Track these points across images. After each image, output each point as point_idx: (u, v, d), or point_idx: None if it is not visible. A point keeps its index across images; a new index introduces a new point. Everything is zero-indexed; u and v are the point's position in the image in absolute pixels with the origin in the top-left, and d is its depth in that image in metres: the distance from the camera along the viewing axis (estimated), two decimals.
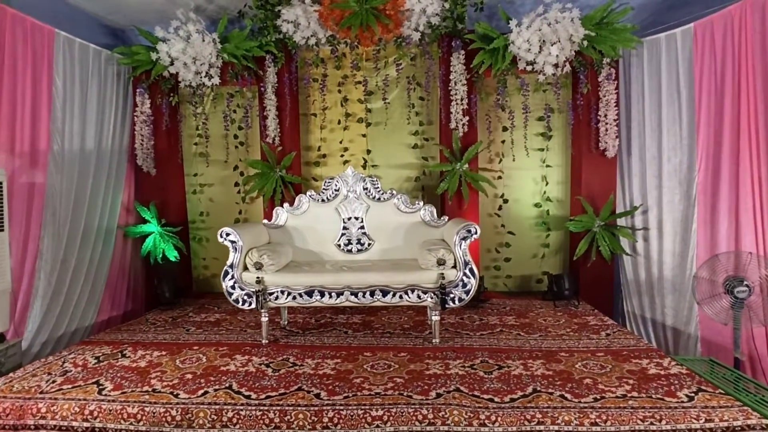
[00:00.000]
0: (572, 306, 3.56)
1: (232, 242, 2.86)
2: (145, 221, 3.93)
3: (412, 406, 2.00)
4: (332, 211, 3.40)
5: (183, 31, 3.64)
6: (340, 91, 4.10)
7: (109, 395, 2.18)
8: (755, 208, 2.98)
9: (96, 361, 2.62)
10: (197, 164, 4.29)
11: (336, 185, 3.43)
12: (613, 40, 3.45)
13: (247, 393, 2.17)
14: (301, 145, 4.11)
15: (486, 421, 1.92)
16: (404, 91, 3.98)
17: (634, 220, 3.69)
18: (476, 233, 2.78)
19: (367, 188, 3.42)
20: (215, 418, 2.00)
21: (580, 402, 2.02)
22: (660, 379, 2.23)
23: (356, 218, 3.39)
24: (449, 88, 3.73)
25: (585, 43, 3.42)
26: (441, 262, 2.74)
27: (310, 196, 3.44)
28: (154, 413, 2.03)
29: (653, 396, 2.06)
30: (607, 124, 3.62)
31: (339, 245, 3.36)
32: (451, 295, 2.78)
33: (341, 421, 1.96)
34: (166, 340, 2.96)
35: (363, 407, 2.01)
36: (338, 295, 2.82)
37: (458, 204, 3.83)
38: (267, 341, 2.87)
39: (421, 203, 3.40)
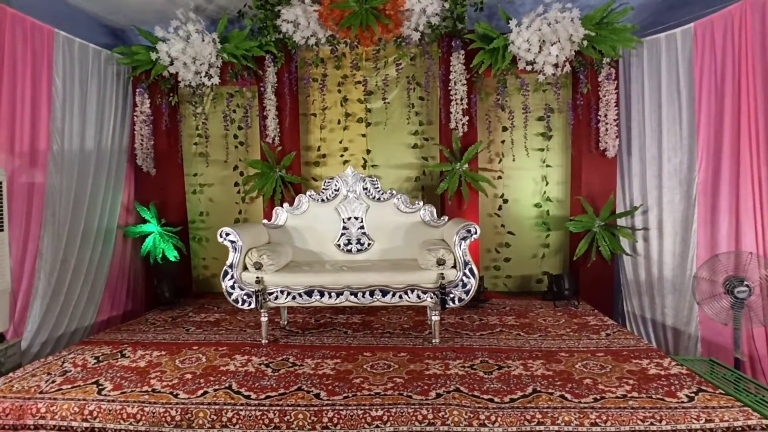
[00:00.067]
0: (572, 306, 3.56)
1: (232, 242, 2.86)
2: (144, 221, 3.93)
3: (412, 406, 2.00)
4: (332, 211, 3.40)
5: (183, 30, 3.64)
6: (339, 91, 4.10)
7: (109, 395, 2.17)
8: (755, 208, 2.98)
9: (95, 361, 2.62)
10: (197, 164, 4.29)
11: (336, 185, 3.43)
12: (613, 40, 3.45)
13: (246, 393, 2.17)
14: (300, 145, 4.10)
15: (486, 422, 1.92)
16: (404, 91, 3.98)
17: (634, 220, 3.69)
18: (476, 233, 2.78)
19: (366, 188, 3.42)
20: (215, 418, 2.00)
21: (580, 402, 2.02)
22: (660, 379, 2.23)
23: (356, 218, 3.38)
24: (449, 87, 3.73)
25: (585, 43, 3.41)
26: (441, 262, 2.74)
27: (309, 196, 3.44)
28: (153, 413, 2.03)
29: (653, 396, 2.06)
30: (607, 124, 3.62)
31: (339, 245, 3.36)
32: (451, 295, 2.78)
33: (341, 421, 1.96)
34: (166, 340, 2.96)
35: (363, 407, 2.01)
36: (338, 295, 2.81)
37: (458, 204, 3.83)
38: (267, 341, 2.87)
39: (421, 203, 3.40)
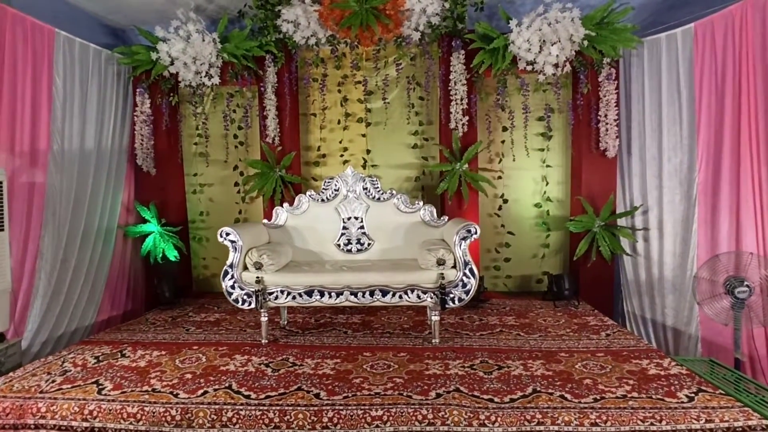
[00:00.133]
0: (572, 306, 3.56)
1: (232, 242, 2.86)
2: (145, 221, 3.93)
3: (412, 406, 2.00)
4: (332, 211, 3.40)
5: (183, 30, 3.64)
6: (339, 91, 4.10)
7: (109, 395, 2.17)
8: (756, 208, 2.98)
9: (96, 360, 2.62)
10: (197, 164, 4.29)
11: (336, 185, 3.43)
12: (614, 40, 3.45)
13: (246, 393, 2.17)
14: (300, 144, 4.11)
15: (486, 422, 1.92)
16: (404, 90, 3.98)
17: (635, 220, 3.69)
18: (476, 233, 2.78)
19: (366, 188, 3.42)
20: (215, 417, 2.00)
21: (580, 402, 2.02)
22: (660, 379, 2.23)
23: (356, 218, 3.39)
24: (449, 87, 3.73)
25: (585, 42, 3.41)
26: (441, 262, 2.74)
27: (309, 196, 3.44)
28: (153, 413, 2.03)
29: (653, 396, 2.06)
30: (607, 124, 3.61)
31: (339, 245, 3.36)
32: (451, 295, 2.78)
33: (341, 421, 1.96)
34: (166, 340, 2.96)
35: (363, 407, 2.01)
36: (338, 295, 2.81)
37: (458, 204, 3.83)
38: (267, 341, 2.87)
39: (421, 203, 3.40)
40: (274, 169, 3.90)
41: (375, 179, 3.43)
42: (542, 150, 4.00)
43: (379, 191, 3.42)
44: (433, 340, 2.79)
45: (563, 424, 1.89)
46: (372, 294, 2.81)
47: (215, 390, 2.20)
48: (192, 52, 3.64)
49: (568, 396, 2.07)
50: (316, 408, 2.02)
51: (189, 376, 2.38)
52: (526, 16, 3.43)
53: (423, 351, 2.68)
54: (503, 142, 4.03)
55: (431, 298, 2.78)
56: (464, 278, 2.77)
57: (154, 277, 3.92)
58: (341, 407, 2.01)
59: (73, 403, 2.11)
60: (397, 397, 2.10)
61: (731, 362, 2.90)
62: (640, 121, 3.62)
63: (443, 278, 2.75)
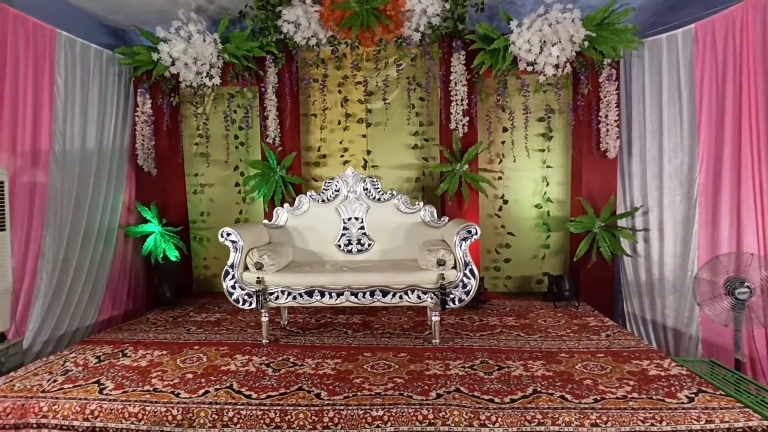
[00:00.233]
0: (572, 307, 3.56)
1: (233, 242, 2.86)
2: (146, 221, 3.94)
3: (413, 407, 2.00)
4: (332, 212, 3.40)
5: (184, 31, 3.65)
6: (340, 92, 4.10)
7: (110, 395, 2.18)
8: (756, 209, 2.98)
9: (97, 360, 2.63)
10: (198, 164, 4.29)
11: (336, 185, 3.43)
12: (614, 40, 3.45)
13: (247, 393, 2.17)
14: (301, 145, 4.11)
15: (486, 422, 1.92)
16: (404, 91, 3.99)
17: (635, 221, 3.69)
18: (476, 234, 2.78)
19: (367, 189, 3.42)
20: (216, 417, 2.00)
21: (580, 403, 2.02)
22: (660, 380, 2.23)
23: (356, 218, 3.39)
24: (449, 88, 3.73)
25: (586, 43, 3.41)
26: (441, 263, 2.74)
27: (310, 196, 3.44)
28: (155, 413, 2.03)
29: (654, 397, 2.06)
30: (607, 124, 3.62)
31: (339, 245, 3.37)
32: (451, 296, 2.78)
33: (342, 421, 1.96)
34: (167, 340, 2.97)
35: (363, 407, 2.01)
36: (338, 295, 2.82)
37: (458, 205, 3.83)
38: (267, 341, 2.87)
39: (421, 204, 3.40)
40: (274, 169, 3.90)
41: (375, 180, 3.44)
42: (543, 151, 4.01)
43: (379, 192, 3.42)
44: (434, 341, 2.80)
45: (563, 424, 1.89)
46: (372, 294, 2.81)
47: (216, 390, 2.20)
48: (193, 52, 3.65)
49: (569, 396, 2.08)
50: (316, 408, 2.02)
51: (190, 375, 2.38)
52: (527, 17, 3.44)
53: (423, 351, 2.68)
54: (503, 142, 4.03)
55: (431, 298, 2.78)
56: (464, 279, 2.77)
57: (154, 277, 3.93)
58: (342, 407, 2.02)
59: (75, 402, 2.11)
60: (398, 397, 2.10)
61: (732, 363, 2.90)
62: (640, 122, 3.62)
63: (443, 279, 2.75)
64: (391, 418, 1.95)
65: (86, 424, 2.05)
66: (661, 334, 3.54)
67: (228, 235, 2.87)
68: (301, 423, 1.97)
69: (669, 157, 3.44)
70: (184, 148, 4.21)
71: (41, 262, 3.01)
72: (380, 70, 3.99)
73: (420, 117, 4.12)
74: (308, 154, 4.23)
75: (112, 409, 2.07)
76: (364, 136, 4.16)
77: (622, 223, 3.73)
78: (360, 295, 2.81)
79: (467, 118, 3.72)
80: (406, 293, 2.80)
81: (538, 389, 2.15)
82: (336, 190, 3.43)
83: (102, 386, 2.27)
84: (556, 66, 3.46)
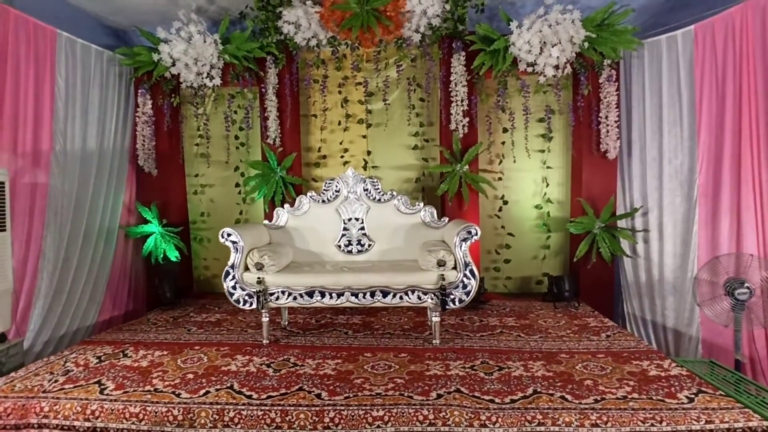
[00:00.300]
0: (572, 307, 3.56)
1: (234, 243, 2.87)
2: (146, 221, 3.94)
3: (413, 407, 2.01)
4: (333, 212, 3.41)
5: (185, 32, 3.65)
6: (340, 92, 4.11)
7: (111, 395, 2.18)
8: (756, 210, 2.99)
9: (98, 360, 2.63)
10: (198, 165, 4.30)
11: (336, 186, 3.44)
12: (614, 41, 3.45)
13: (248, 393, 2.17)
14: (301, 146, 4.11)
15: (487, 422, 1.92)
16: (405, 92, 3.99)
17: (635, 221, 3.69)
18: (476, 234, 2.78)
19: (367, 189, 3.42)
20: (217, 417, 2.01)
21: (580, 403, 2.02)
22: (660, 380, 2.24)
23: (356, 219, 3.39)
24: (449, 89, 3.73)
25: (586, 44, 3.42)
26: (441, 264, 2.75)
27: (310, 197, 3.45)
28: (156, 413, 2.04)
29: (654, 397, 2.06)
30: (607, 125, 3.62)
31: (339, 246, 3.37)
32: (452, 297, 2.78)
33: (342, 421, 1.97)
34: (168, 340, 2.97)
35: (364, 407, 2.01)
36: (339, 295, 2.82)
37: (458, 205, 3.83)
38: (268, 341, 2.87)
39: (422, 204, 3.40)
40: (274, 170, 3.90)
41: (375, 180, 3.44)
42: (543, 151, 4.01)
43: (379, 192, 3.42)
44: (434, 341, 2.80)
45: (564, 424, 1.90)
46: (372, 295, 2.81)
47: (217, 390, 2.21)
48: (193, 53, 3.65)
49: (569, 397, 2.08)
50: (317, 408, 2.02)
51: (191, 376, 2.38)
52: (527, 18, 3.44)
53: (424, 352, 2.68)
54: (504, 143, 4.04)
55: (432, 299, 2.79)
56: (465, 279, 2.77)
57: (155, 277, 3.93)
58: (342, 407, 2.02)
59: (76, 402, 2.11)
60: (398, 397, 2.10)
61: (731, 363, 2.90)
62: (640, 123, 3.62)
63: (444, 279, 2.75)
64: (392, 419, 1.96)
65: (87, 424, 2.05)
66: (661, 334, 3.54)
67: (229, 235, 2.87)
68: (302, 423, 1.97)
69: (669, 157, 3.45)
70: (184, 148, 4.21)
71: (42, 262, 3.01)
72: (380, 70, 4.00)
73: (420, 118, 4.12)
74: (308, 154, 4.23)
75: (113, 410, 2.07)
76: (364, 136, 4.17)
77: (622, 223, 3.73)
78: (360, 295, 2.82)
79: (467, 119, 3.73)
80: (407, 294, 2.80)
81: (539, 390, 2.16)
82: (336, 191, 3.44)
83: (103, 386, 2.27)
84: (556, 67, 3.47)
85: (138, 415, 2.04)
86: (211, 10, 3.83)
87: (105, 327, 3.56)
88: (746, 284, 2.77)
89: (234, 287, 2.87)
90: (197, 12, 3.69)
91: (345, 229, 3.38)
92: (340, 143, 4.18)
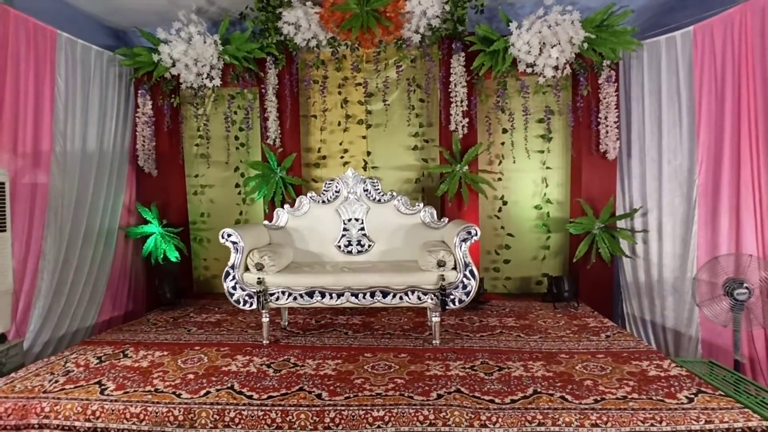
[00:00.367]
0: (572, 308, 3.57)
1: (234, 243, 2.87)
2: (146, 222, 3.94)
3: (413, 407, 2.01)
4: (333, 213, 3.41)
5: (184, 32, 3.66)
6: (340, 93, 4.11)
7: (112, 395, 2.18)
8: (756, 210, 3.00)
9: (98, 361, 2.63)
10: (198, 165, 4.30)
11: (336, 187, 3.44)
12: (613, 42, 3.46)
13: (248, 393, 2.18)
14: (301, 146, 4.12)
15: (487, 422, 1.93)
16: (404, 92, 4.00)
17: (634, 222, 3.70)
18: (476, 235, 2.79)
19: (367, 190, 3.43)
20: (217, 418, 2.01)
21: (580, 403, 2.03)
22: (660, 380, 2.24)
23: (356, 219, 3.40)
24: (449, 89, 3.74)
25: (585, 45, 3.43)
26: (441, 264, 2.75)
27: (310, 197, 3.45)
28: (156, 413, 2.04)
29: (653, 397, 2.07)
30: (607, 126, 3.63)
31: (339, 246, 3.37)
32: (451, 297, 2.79)
33: (343, 421, 1.97)
34: (168, 341, 2.97)
35: (364, 408, 2.02)
36: (339, 296, 2.82)
37: (458, 206, 3.84)
38: (268, 342, 2.88)
39: (421, 205, 3.41)
40: (274, 170, 3.91)
41: (375, 181, 3.44)
42: (542, 152, 4.02)
43: (379, 193, 3.43)
44: (434, 341, 2.80)
45: (564, 425, 1.90)
46: (372, 295, 2.82)
47: (217, 390, 2.21)
48: (193, 53, 3.65)
49: (569, 397, 2.08)
50: (318, 408, 2.03)
51: (191, 376, 2.38)
52: (526, 19, 3.45)
53: (424, 352, 2.69)
54: (503, 144, 4.04)
55: (432, 299, 2.79)
56: (464, 280, 2.78)
57: (155, 277, 3.93)
58: (343, 408, 2.02)
59: (76, 403, 2.12)
60: (399, 397, 2.11)
61: (731, 364, 2.91)
62: (640, 124, 3.63)
63: (443, 280, 2.76)
64: (392, 419, 1.96)
65: (88, 424, 2.05)
66: (660, 334, 3.54)
67: (229, 236, 2.87)
68: (303, 423, 1.97)
69: (668, 158, 3.45)
70: (184, 149, 4.21)
71: (42, 262, 3.01)
72: (380, 71, 4.00)
73: (420, 118, 4.13)
74: (308, 155, 4.24)
75: (113, 410, 2.07)
76: (364, 137, 4.17)
77: (621, 224, 3.74)
78: (360, 295, 2.82)
79: (467, 120, 3.73)
80: (407, 294, 2.80)
81: (539, 390, 2.16)
82: (336, 191, 3.44)
83: (103, 387, 2.27)
84: (556, 67, 3.48)
85: (139, 416, 2.04)
86: (211, 11, 3.83)
87: (105, 327, 3.56)
88: (745, 284, 2.78)
89: (234, 287, 2.87)
90: (197, 13, 3.69)
91: (345, 229, 3.39)
92: (340, 144, 4.18)
